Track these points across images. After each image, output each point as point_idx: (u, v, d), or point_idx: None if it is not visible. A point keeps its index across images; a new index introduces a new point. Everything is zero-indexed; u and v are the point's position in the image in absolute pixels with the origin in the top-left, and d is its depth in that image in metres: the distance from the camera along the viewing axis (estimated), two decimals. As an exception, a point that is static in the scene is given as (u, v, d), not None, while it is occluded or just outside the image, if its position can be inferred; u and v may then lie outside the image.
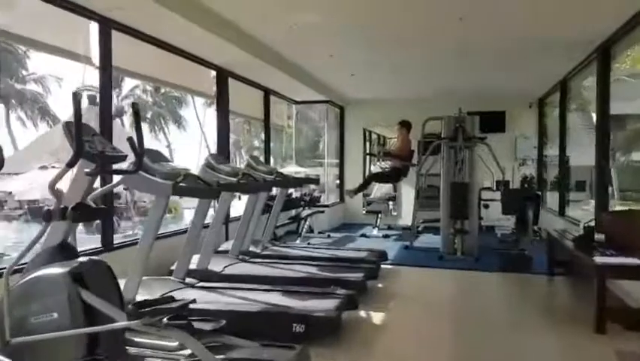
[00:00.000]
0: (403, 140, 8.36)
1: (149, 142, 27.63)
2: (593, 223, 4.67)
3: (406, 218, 8.65)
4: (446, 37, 5.54)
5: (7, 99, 25.38)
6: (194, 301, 2.76)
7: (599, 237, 4.32)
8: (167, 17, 4.13)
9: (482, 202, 7.92)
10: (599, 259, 3.68)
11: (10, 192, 16.07)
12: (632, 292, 4.01)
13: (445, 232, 6.66)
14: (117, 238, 5.10)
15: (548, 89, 8.36)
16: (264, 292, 3.79)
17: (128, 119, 30.60)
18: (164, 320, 2.77)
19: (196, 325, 2.88)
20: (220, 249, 5.36)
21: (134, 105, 3.17)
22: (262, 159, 6.78)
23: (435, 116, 7.12)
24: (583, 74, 6.64)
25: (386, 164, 9.01)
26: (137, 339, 2.99)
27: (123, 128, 28.17)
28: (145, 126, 30.68)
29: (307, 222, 7.90)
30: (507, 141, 9.01)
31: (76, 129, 2.44)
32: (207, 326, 2.89)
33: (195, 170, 4.31)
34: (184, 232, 4.52)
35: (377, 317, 3.94)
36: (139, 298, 3.45)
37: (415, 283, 5.38)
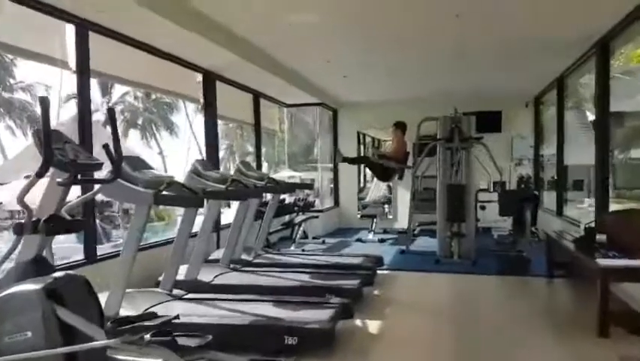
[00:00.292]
0: (398, 142, 8.21)
1: (141, 150, 27.53)
2: (599, 223, 4.52)
3: (402, 221, 8.49)
4: (442, 35, 5.43)
5: (-5, 108, 25.16)
6: (177, 317, 2.60)
7: (600, 238, 4.19)
8: (149, 19, 3.99)
9: (479, 204, 7.80)
10: (602, 262, 3.54)
11: (1, 203, 15.82)
12: (635, 295, 3.87)
13: (441, 235, 6.52)
14: (107, 248, 4.97)
15: (545, 87, 8.25)
16: (255, 302, 3.63)
17: (119, 126, 30.42)
18: (147, 337, 2.62)
19: (181, 341, 2.73)
20: (211, 258, 5.18)
21: (109, 110, 3.01)
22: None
23: (430, 116, 6.98)
24: (581, 70, 6.52)
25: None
26: (120, 357, 2.81)
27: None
28: (136, 133, 30.53)
29: (301, 228, 7.74)
30: (503, 140, 8.88)
31: (44, 136, 2.28)
32: (193, 342, 2.72)
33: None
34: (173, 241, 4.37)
35: (373, 326, 3.77)
36: (123, 312, 3.29)
37: (412, 288, 5.21)
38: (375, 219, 8.73)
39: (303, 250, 6.95)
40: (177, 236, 3.89)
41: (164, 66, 5.30)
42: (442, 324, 3.90)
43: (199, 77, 5.92)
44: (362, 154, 10.95)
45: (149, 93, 27.98)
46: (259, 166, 7.59)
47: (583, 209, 15.65)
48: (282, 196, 7.48)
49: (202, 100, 5.98)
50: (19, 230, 2.54)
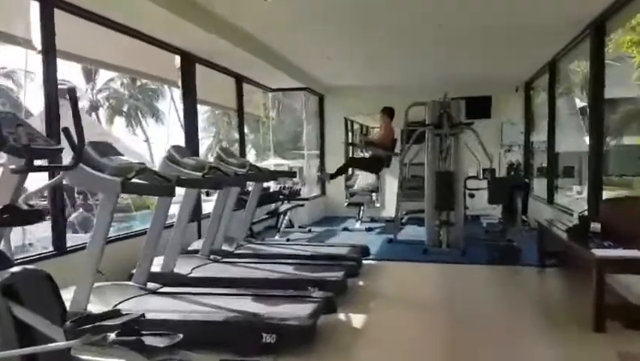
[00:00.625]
0: (385, 128, 8.00)
1: (127, 137, 27.07)
2: (591, 212, 4.37)
3: (390, 209, 8.33)
4: (429, 19, 5.23)
5: (-24, 94, 24.47)
6: (142, 316, 2.39)
7: (594, 226, 4.03)
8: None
9: (468, 191, 7.64)
10: (597, 252, 3.37)
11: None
12: (631, 286, 3.72)
13: (429, 223, 6.35)
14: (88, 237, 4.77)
15: (536, 72, 8.06)
16: (234, 296, 3.43)
17: (103, 113, 29.88)
18: (112, 336, 2.41)
19: (149, 340, 2.51)
20: (191, 248, 4.98)
21: (70, 90, 2.74)
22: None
23: (419, 101, 6.77)
24: (574, 53, 6.33)
25: (367, 154, 8.67)
26: (85, 357, 2.60)
27: (99, 124, 27.46)
28: (121, 121, 29.98)
29: (287, 217, 7.54)
30: (493, 126, 8.71)
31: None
32: (161, 342, 2.50)
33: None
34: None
35: (357, 321, 3.58)
36: (91, 308, 3.07)
37: (399, 279, 5.04)
38: (362, 208, 8.54)
39: (288, 240, 6.75)
40: (151, 226, 3.66)
41: (139, 47, 5.02)
42: (430, 318, 3.72)
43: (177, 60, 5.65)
44: (350, 141, 10.74)
45: (135, 79, 27.47)
46: (242, 153, 7.34)
47: (571, 196, 15.68)
48: (267, 184, 7.28)
49: (180, 84, 5.70)
50: (-30, 222, 2.31)
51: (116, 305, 3.19)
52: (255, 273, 4.16)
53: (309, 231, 7.74)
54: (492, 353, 3.08)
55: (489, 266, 5.34)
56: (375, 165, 8.21)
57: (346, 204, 9.35)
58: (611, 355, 2.99)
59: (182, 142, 5.62)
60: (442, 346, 3.17)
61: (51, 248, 3.83)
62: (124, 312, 2.87)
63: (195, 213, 5.64)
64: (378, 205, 9.54)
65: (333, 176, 8.36)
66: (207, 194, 5.70)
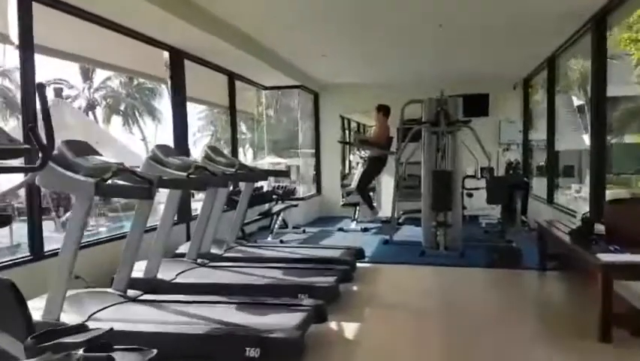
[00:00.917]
0: (380, 126, 7.81)
1: (124, 136, 26.83)
2: (593, 213, 4.19)
3: (386, 209, 8.13)
4: (428, 15, 5.06)
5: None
6: (110, 330, 2.19)
7: (598, 229, 3.85)
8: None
9: (466, 191, 7.47)
10: (603, 257, 3.18)
11: None
12: (637, 291, 3.54)
13: (426, 224, 6.15)
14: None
15: (534, 68, 7.87)
16: (218, 305, 3.23)
17: (101, 112, 29.65)
18: (80, 352, 2.22)
19: (119, 356, 2.32)
20: (178, 251, 4.78)
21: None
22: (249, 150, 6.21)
23: (415, 99, 6.57)
24: (574, 49, 6.14)
25: (365, 153, 8.48)
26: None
27: (96, 122, 27.20)
28: (118, 119, 29.75)
29: (280, 217, 7.34)
30: (490, 125, 8.52)
31: None
32: (133, 358, 2.32)
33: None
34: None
35: (349, 330, 3.38)
36: (64, 318, 2.89)
37: (395, 284, 4.83)
38: (358, 208, 8.34)
39: (281, 241, 6.57)
40: (131, 229, 3.46)
41: (125, 43, 4.83)
42: (427, 327, 3.52)
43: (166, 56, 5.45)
44: (346, 140, 10.57)
45: (132, 78, 27.27)
46: (234, 152, 7.14)
47: (569, 195, 15.53)
48: (260, 184, 7.08)
49: (169, 80, 5.50)
50: None
51: (92, 315, 3.00)
52: (243, 278, 3.97)
53: (304, 232, 7.55)
54: (492, 365, 2.90)
55: (488, 269, 5.15)
56: (378, 167, 8.03)
57: (342, 203, 9.16)
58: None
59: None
60: (441, 358, 2.98)
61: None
62: (97, 323, 2.69)
63: (184, 215, 5.47)
64: (374, 205, 9.35)
65: (367, 202, 8.14)
66: (192, 195, 5.50)
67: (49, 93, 22.23)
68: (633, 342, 3.11)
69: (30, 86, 3.67)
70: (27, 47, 3.58)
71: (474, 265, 5.26)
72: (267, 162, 23.41)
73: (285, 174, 6.72)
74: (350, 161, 11.99)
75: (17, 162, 2.68)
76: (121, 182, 3.21)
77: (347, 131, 11.28)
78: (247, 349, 2.57)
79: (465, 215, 7.11)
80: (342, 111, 9.96)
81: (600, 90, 4.92)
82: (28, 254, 3.63)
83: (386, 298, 4.28)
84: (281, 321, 2.83)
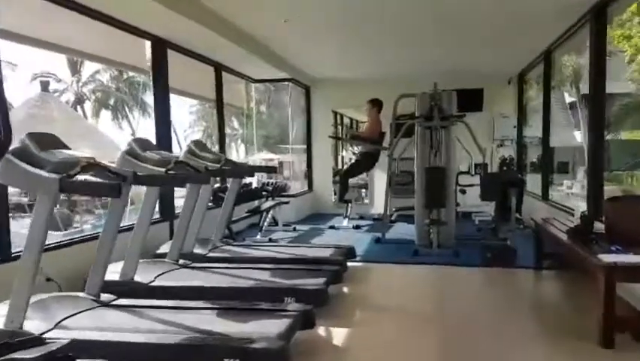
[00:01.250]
0: (372, 121, 7.61)
1: (113, 131, 26.45)
2: (591, 211, 4.02)
3: (379, 206, 7.94)
4: (423, 6, 4.86)
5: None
6: (71, 342, 1.97)
7: (598, 228, 3.68)
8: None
9: (459, 188, 7.30)
10: (605, 258, 3.00)
11: None
12: (638, 292, 3.38)
13: (419, 222, 5.98)
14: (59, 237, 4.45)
15: (530, 62, 7.67)
16: (197, 311, 3.02)
17: (89, 107, 29.18)
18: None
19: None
20: (159, 251, 4.56)
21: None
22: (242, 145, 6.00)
23: (408, 93, 6.37)
24: (571, 42, 5.95)
25: (357, 149, 8.29)
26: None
27: (84, 117, 26.77)
28: (108, 114, 29.31)
29: (270, 215, 7.12)
30: (484, 120, 8.34)
31: None
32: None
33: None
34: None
35: (338, 337, 3.18)
36: (27, 325, 2.66)
37: (387, 284, 4.64)
38: (350, 205, 8.14)
39: (270, 240, 6.37)
40: (104, 229, 3.22)
41: (104, 31, 4.58)
42: (421, 331, 3.34)
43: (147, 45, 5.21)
44: (338, 135, 10.39)
45: (122, 72, 26.90)
46: (222, 147, 6.91)
47: (562, 191, 15.44)
48: (249, 180, 6.86)
49: (151, 71, 5.26)
50: None
51: (59, 322, 2.77)
52: (226, 280, 3.75)
53: (294, 229, 7.35)
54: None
55: (483, 269, 4.98)
56: (369, 162, 7.85)
57: (333, 200, 8.96)
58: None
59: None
60: (433, 365, 2.79)
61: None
62: (64, 331, 2.48)
63: (167, 211, 5.25)
64: (367, 202, 9.18)
65: (341, 199, 8.04)
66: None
67: (36, 86, 21.85)
68: (636, 347, 2.95)
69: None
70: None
71: (468, 265, 5.09)
72: (259, 157, 23.15)
73: (272, 170, 6.47)
74: (343, 157, 11.82)
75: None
76: (94, 178, 2.99)
77: (340, 127, 11.09)
78: (226, 360, 2.37)
79: (458, 212, 6.94)
80: (334, 106, 9.76)
81: (598, 85, 4.74)
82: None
83: (378, 301, 4.08)
84: (264, 329, 2.62)
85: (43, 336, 2.57)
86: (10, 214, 3.71)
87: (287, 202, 7.66)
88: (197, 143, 4.70)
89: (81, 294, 3.20)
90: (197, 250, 4.57)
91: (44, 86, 20.37)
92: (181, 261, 4.22)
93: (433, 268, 5.08)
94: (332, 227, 7.59)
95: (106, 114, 29.69)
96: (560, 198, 11.64)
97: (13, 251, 3.42)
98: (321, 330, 3.18)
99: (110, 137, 18.47)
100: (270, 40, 6.31)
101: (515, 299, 4.12)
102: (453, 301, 4.06)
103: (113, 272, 3.56)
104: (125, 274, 3.57)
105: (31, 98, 17.04)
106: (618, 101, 14.45)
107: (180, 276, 3.82)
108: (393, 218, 7.78)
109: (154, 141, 4.69)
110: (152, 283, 3.59)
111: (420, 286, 4.52)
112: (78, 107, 27.75)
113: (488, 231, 6.75)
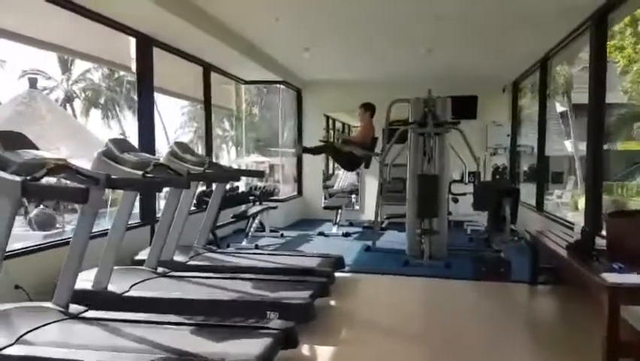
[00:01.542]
0: (365, 126, 7.42)
1: (102, 130, 26.09)
2: (589, 224, 3.85)
3: (369, 213, 7.76)
4: (419, 10, 4.75)
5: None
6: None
7: (599, 243, 3.51)
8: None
9: (452, 196, 7.14)
10: (609, 277, 2.82)
11: None
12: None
13: (410, 232, 5.79)
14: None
15: (525, 70, 7.55)
16: (171, 326, 2.79)
17: (79, 105, 28.77)
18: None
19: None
20: (138, 258, 4.32)
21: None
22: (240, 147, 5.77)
23: (402, 98, 6.20)
24: (569, 49, 5.82)
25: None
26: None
27: (73, 115, 26.36)
28: (97, 113, 28.92)
29: (257, 220, 6.90)
30: (478, 128, 8.19)
31: None
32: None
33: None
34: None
35: (323, 357, 2.96)
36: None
37: (377, 298, 4.43)
38: (340, 211, 7.94)
39: (256, 246, 6.15)
40: (74, 235, 2.99)
41: (85, 26, 4.36)
42: (411, 350, 3.14)
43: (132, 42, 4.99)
44: (331, 140, 10.18)
45: (113, 71, 26.58)
46: (209, 149, 6.70)
47: (552, 200, 15.36)
48: (236, 184, 6.65)
49: (135, 69, 5.04)
50: None
51: (20, 336, 2.54)
52: (205, 292, 3.53)
53: (282, 236, 7.13)
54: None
55: (476, 282, 4.78)
56: (350, 163, 7.64)
57: (323, 206, 8.76)
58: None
59: (161, 137, 5.00)
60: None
61: None
62: (26, 346, 2.25)
63: (149, 215, 5.03)
64: (357, 208, 8.98)
65: (305, 149, 7.89)
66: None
67: (24, 83, 21.43)
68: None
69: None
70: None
71: (460, 277, 4.90)
72: (250, 160, 22.91)
73: (259, 174, 6.27)
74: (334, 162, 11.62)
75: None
76: (66, 181, 2.77)
77: (332, 131, 10.89)
78: (198, 385, 2.15)
79: (450, 221, 6.78)
80: (326, 109, 9.57)
81: (599, 93, 4.59)
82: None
83: (366, 316, 3.87)
84: (241, 349, 2.41)
85: (2, 353, 2.36)
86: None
87: (275, 207, 7.45)
88: (179, 145, 4.49)
89: (49, 304, 2.96)
90: (178, 258, 4.34)
91: (32, 83, 20.02)
92: (159, 269, 3.99)
93: (425, 280, 4.89)
94: (321, 233, 7.39)
95: (96, 113, 29.32)
96: (552, 207, 11.55)
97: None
98: (304, 349, 2.97)
99: (98, 136, 18.16)
100: (260, 40, 6.12)
101: (511, 316, 3.93)
102: (445, 318, 3.86)
103: (86, 280, 3.34)
104: (98, 283, 3.34)
105: (19, 95, 16.71)
106: (616, 111, 14.44)
107: (157, 286, 3.59)
108: (384, 225, 7.60)
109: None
110: (126, 294, 3.35)
111: (410, 301, 4.32)
112: (67, 106, 27.37)
113: (481, 241, 6.60)
